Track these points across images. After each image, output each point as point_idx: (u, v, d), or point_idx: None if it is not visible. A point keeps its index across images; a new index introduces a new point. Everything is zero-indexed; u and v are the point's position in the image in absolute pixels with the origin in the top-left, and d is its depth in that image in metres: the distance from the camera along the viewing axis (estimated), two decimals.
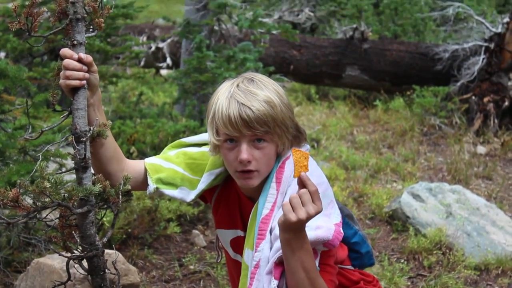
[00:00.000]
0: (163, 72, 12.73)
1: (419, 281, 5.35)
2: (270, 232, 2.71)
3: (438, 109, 9.82)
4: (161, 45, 12.46)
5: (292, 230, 2.50)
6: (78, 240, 2.54)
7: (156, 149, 6.35)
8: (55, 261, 4.32)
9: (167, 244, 5.78)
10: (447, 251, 5.67)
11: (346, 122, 10.13)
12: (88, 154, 2.51)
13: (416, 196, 6.37)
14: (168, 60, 12.39)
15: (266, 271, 2.67)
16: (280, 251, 2.61)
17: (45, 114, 5.67)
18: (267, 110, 2.63)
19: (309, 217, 2.45)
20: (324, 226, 2.65)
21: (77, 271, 2.72)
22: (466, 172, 7.87)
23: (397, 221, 6.21)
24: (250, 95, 2.64)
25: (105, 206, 2.63)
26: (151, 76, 12.17)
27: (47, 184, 2.35)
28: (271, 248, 2.69)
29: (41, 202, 2.38)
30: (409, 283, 5.30)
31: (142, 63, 12.39)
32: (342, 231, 2.70)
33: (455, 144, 9.03)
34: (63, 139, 2.59)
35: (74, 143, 2.49)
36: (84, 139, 2.49)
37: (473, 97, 9.69)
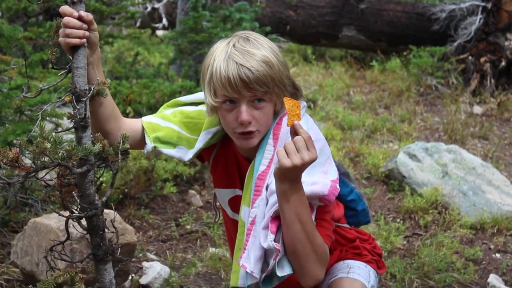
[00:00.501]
0: (159, 32, 12.65)
1: (415, 240, 5.38)
2: (266, 188, 2.72)
3: (434, 69, 9.80)
4: (157, 5, 12.40)
5: (288, 179, 2.51)
6: (78, 200, 2.54)
7: (152, 109, 6.34)
8: (52, 220, 4.33)
9: (164, 204, 5.79)
10: (443, 210, 5.69)
11: (343, 82, 10.11)
12: (88, 113, 2.49)
13: (412, 156, 6.38)
14: (164, 21, 12.34)
15: (262, 225, 2.68)
16: (276, 205, 2.62)
17: (41, 74, 5.65)
18: (265, 70, 2.61)
19: (304, 164, 2.46)
20: (320, 181, 2.65)
21: (76, 230, 2.72)
22: (463, 132, 7.88)
23: (393, 181, 6.23)
24: (248, 55, 2.61)
25: (104, 165, 2.63)
26: (147, 37, 12.10)
27: (48, 145, 2.34)
28: (267, 204, 2.70)
29: (40, 162, 2.37)
30: (405, 242, 5.32)
31: (138, 24, 12.33)
32: (338, 187, 2.71)
33: (452, 104, 9.02)
34: (61, 99, 2.57)
35: (74, 102, 2.48)
36: (84, 98, 2.48)
37: (470, 57, 9.67)
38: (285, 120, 2.75)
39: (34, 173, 2.39)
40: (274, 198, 2.63)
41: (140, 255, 4.93)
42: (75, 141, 2.51)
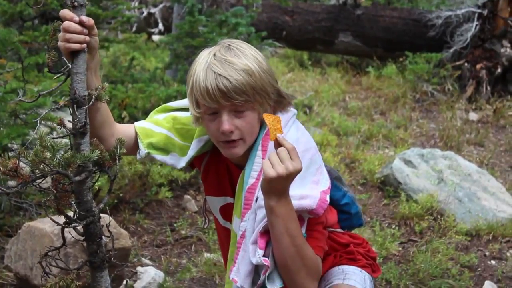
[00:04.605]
0: (155, 37, 12.65)
1: (410, 246, 5.37)
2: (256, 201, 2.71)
3: (430, 76, 9.81)
4: (153, 10, 12.41)
5: (275, 193, 2.49)
6: (75, 206, 2.52)
7: (148, 114, 6.28)
8: (46, 224, 4.31)
9: (159, 209, 5.78)
10: (439, 216, 5.69)
11: (339, 88, 10.11)
12: (87, 120, 2.47)
13: (408, 162, 6.37)
14: (160, 26, 12.34)
15: (251, 240, 2.67)
16: (265, 220, 2.61)
17: (36, 78, 5.64)
18: (244, 79, 2.56)
19: (289, 174, 2.44)
20: (309, 195, 2.63)
21: (72, 236, 2.71)
22: (458, 139, 7.88)
23: (389, 187, 6.22)
24: (227, 65, 2.57)
25: (100, 171, 2.61)
26: (142, 42, 12.10)
27: (47, 154, 2.33)
28: (255, 218, 2.69)
29: (39, 170, 2.36)
30: (400, 248, 5.31)
31: (134, 29, 12.33)
32: (327, 199, 2.68)
33: (448, 110, 9.03)
34: (58, 103, 2.55)
35: (73, 108, 2.46)
36: (83, 104, 2.46)
37: (466, 64, 9.69)
38: None
39: (32, 182, 2.38)
40: (262, 213, 2.62)
41: (135, 260, 4.92)
42: (74, 148, 2.49)
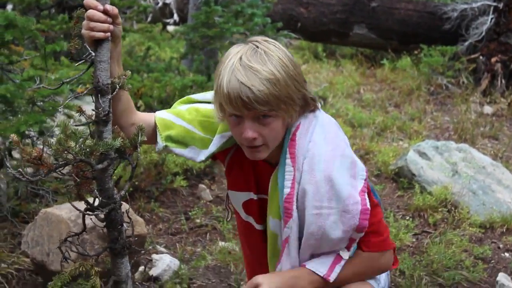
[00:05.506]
0: (170, 28, 12.67)
1: (424, 238, 5.37)
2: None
3: (445, 69, 9.79)
4: (168, 1, 12.42)
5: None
6: (97, 193, 2.54)
7: (163, 103, 6.35)
8: (63, 211, 4.34)
9: (174, 197, 5.80)
10: (453, 208, 5.69)
11: (353, 80, 10.11)
12: (110, 108, 2.48)
13: (422, 154, 6.37)
14: (175, 16, 12.35)
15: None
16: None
17: (53, 66, 5.66)
18: (268, 90, 2.47)
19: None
20: (345, 219, 2.63)
21: (94, 223, 2.73)
22: (473, 132, 7.88)
23: (403, 179, 6.22)
24: (251, 72, 2.47)
25: (121, 158, 2.62)
26: (157, 32, 12.11)
27: (72, 144, 2.35)
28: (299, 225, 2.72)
29: (63, 158, 2.38)
30: (414, 240, 5.32)
31: (149, 19, 12.35)
32: (368, 204, 2.65)
33: (462, 103, 9.02)
34: (81, 93, 2.56)
35: (96, 96, 2.48)
36: (106, 92, 2.48)
37: (481, 57, 9.66)
38: (298, 136, 2.67)
39: (56, 170, 2.40)
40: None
41: (150, 247, 4.94)
42: (96, 136, 2.51)
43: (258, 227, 2.96)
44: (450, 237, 5.22)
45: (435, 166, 6.21)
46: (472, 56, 9.77)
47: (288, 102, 2.55)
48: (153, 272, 4.55)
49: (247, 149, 2.66)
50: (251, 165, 2.88)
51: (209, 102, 2.91)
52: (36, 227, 4.39)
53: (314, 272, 2.71)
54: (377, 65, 11.05)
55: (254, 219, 2.95)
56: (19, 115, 4.78)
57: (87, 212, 2.57)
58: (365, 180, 2.69)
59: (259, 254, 3.01)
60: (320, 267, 2.72)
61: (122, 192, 2.62)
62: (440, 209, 5.69)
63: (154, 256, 4.72)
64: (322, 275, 2.70)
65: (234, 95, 2.46)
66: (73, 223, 4.22)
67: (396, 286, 4.59)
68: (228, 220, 3.37)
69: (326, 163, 2.61)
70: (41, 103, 4.91)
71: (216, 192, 5.97)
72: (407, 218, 5.65)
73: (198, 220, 5.44)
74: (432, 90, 9.66)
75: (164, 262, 4.62)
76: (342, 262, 2.72)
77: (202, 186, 5.95)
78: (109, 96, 2.48)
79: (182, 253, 4.92)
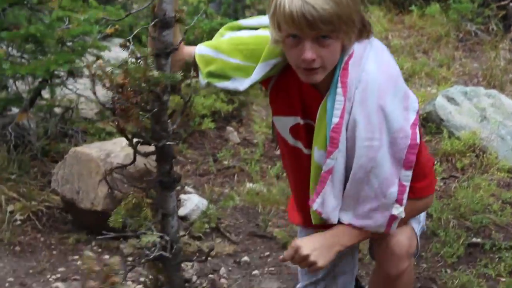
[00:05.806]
0: None
1: (452, 182, 5.37)
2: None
3: (474, 15, 9.65)
4: None
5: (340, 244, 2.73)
6: (154, 126, 2.59)
7: (192, 46, 6.33)
8: (92, 149, 4.39)
9: (201, 139, 5.83)
10: (481, 153, 5.66)
11: (381, 26, 10.00)
12: (171, 41, 2.51)
13: (451, 99, 6.32)
14: None
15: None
16: None
17: (81, 8, 5.67)
18: (332, 8, 2.38)
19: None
20: (393, 152, 2.62)
21: (144, 157, 2.80)
22: (502, 78, 7.80)
23: (431, 124, 6.18)
24: None
25: (173, 92, 2.66)
26: None
27: (155, 73, 2.39)
28: (346, 158, 2.69)
29: (139, 88, 2.42)
30: (441, 184, 5.32)
31: None
32: (417, 133, 2.62)
33: (491, 50, 8.91)
34: (151, 24, 2.59)
35: (160, 29, 2.50)
36: (170, 25, 2.50)
37: (511, 4, 9.52)
38: (351, 65, 2.60)
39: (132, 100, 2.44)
40: None
41: (178, 187, 4.97)
42: (157, 69, 2.54)
43: (306, 151, 2.89)
44: (478, 182, 5.21)
45: (463, 112, 6.17)
46: (502, 2, 9.62)
47: (349, 23, 2.48)
48: (182, 211, 4.59)
49: (303, 71, 2.58)
50: (298, 90, 2.81)
51: (252, 28, 2.87)
52: (66, 166, 4.44)
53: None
54: (406, 12, 10.91)
55: (302, 143, 2.89)
56: (49, 55, 4.81)
57: (140, 142, 2.62)
58: (417, 112, 2.63)
59: (309, 182, 2.91)
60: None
61: (174, 126, 2.65)
62: (468, 154, 5.67)
63: (182, 196, 4.77)
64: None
65: (298, 14, 2.39)
66: (103, 161, 4.27)
67: None
68: (277, 149, 3.34)
69: (379, 93, 2.56)
70: (71, 43, 4.94)
71: (244, 134, 5.98)
72: (435, 162, 5.64)
73: (225, 162, 5.47)
74: (461, 37, 9.54)
75: (192, 202, 4.67)
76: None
77: (229, 128, 5.96)
78: (172, 29, 2.50)
79: (210, 193, 4.96)
